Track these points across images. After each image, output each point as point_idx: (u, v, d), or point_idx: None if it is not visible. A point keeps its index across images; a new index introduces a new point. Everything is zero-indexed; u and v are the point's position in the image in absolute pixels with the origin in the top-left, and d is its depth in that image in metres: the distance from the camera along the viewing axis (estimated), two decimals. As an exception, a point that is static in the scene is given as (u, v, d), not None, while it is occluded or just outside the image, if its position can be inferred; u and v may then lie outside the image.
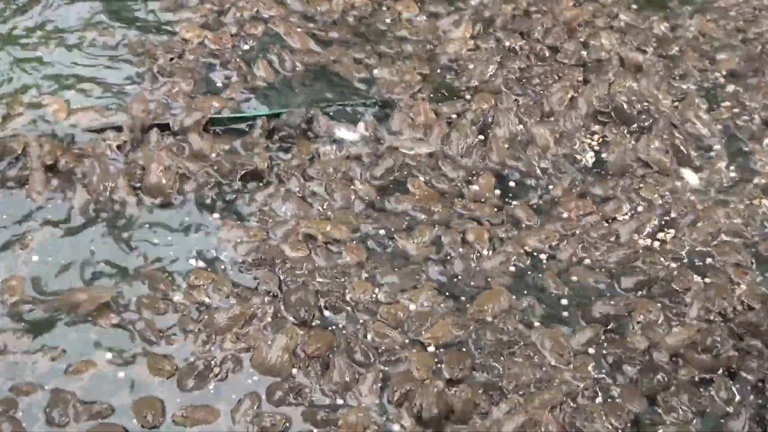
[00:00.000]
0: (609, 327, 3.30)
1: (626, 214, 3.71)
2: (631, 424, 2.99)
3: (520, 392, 3.06)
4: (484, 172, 3.86)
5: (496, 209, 3.73)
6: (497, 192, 3.84)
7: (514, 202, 3.78)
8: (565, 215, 3.73)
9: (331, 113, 3.97)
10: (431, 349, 3.20)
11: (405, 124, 4.00)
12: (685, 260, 3.56)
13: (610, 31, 4.50)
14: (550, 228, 3.68)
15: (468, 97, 4.15)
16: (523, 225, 3.68)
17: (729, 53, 4.48)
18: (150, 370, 3.09)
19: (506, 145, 3.94)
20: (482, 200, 3.75)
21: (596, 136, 4.05)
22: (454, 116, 4.05)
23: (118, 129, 3.81)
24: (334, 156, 3.86)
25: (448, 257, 3.55)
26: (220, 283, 3.37)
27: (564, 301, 3.42)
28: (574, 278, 3.47)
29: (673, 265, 3.50)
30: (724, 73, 4.42)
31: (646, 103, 4.15)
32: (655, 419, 3.02)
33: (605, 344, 3.25)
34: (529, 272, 3.51)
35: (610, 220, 3.70)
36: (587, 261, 3.56)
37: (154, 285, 3.35)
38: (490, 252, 3.57)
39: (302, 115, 3.92)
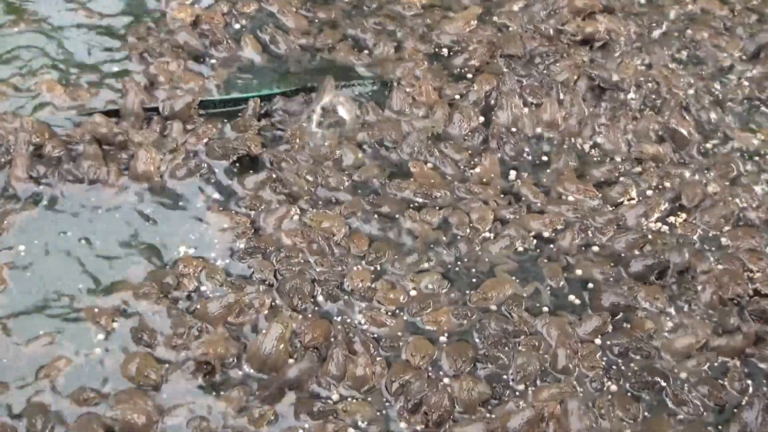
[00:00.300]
0: (617, 316, 3.26)
1: (634, 198, 3.69)
2: (641, 417, 2.96)
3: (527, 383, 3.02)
4: (488, 153, 3.79)
5: (501, 193, 3.67)
6: (501, 173, 3.79)
7: (519, 181, 3.73)
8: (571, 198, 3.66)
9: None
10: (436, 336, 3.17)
11: (405, 103, 3.96)
12: (697, 245, 3.53)
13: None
14: (555, 210, 3.60)
15: (470, 77, 4.14)
16: (529, 204, 3.62)
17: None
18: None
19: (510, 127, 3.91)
20: (486, 182, 3.72)
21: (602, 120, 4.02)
22: (457, 97, 4.03)
23: (108, 113, 3.75)
24: (328, 138, 3.80)
25: (455, 240, 3.47)
26: (213, 272, 3.28)
27: (571, 287, 3.37)
28: (579, 270, 3.42)
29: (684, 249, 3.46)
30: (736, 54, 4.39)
31: (655, 83, 4.14)
32: (664, 410, 2.99)
33: (613, 334, 3.20)
34: (535, 258, 3.45)
35: (616, 205, 3.66)
36: (594, 248, 3.52)
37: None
38: (493, 235, 3.50)
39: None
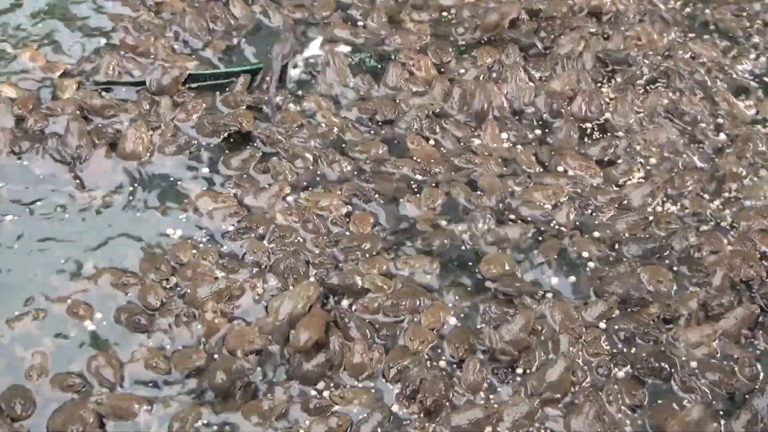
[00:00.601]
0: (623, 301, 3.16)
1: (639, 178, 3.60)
2: (647, 403, 2.89)
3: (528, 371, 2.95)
4: (489, 123, 3.70)
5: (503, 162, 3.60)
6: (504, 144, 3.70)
7: (520, 147, 3.67)
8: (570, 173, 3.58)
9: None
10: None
11: (402, 78, 3.87)
12: (706, 227, 3.45)
13: None
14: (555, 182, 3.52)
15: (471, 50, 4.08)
16: (530, 174, 3.57)
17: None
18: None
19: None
20: (489, 153, 3.63)
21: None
22: (461, 71, 3.96)
23: (102, 86, 3.71)
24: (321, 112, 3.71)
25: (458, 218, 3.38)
26: (204, 254, 3.18)
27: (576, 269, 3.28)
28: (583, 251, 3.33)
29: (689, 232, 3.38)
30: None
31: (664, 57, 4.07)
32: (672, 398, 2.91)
33: (618, 318, 3.11)
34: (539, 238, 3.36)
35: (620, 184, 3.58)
36: (596, 228, 3.42)
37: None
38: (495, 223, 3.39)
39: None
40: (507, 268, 3.20)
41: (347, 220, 3.32)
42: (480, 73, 3.91)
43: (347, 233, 3.28)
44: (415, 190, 3.47)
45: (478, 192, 3.46)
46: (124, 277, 3.09)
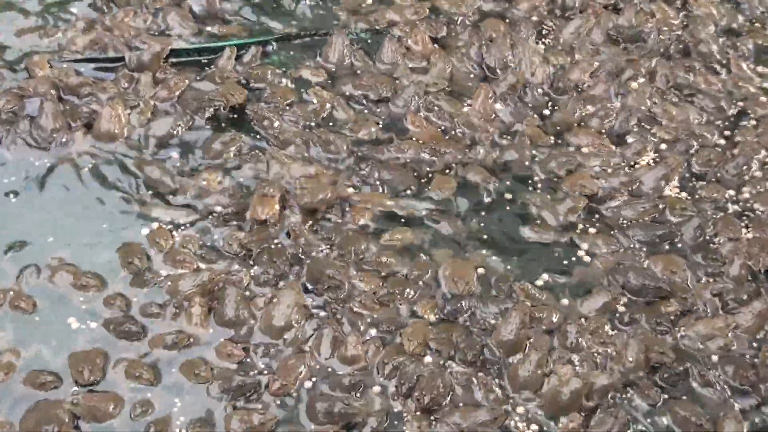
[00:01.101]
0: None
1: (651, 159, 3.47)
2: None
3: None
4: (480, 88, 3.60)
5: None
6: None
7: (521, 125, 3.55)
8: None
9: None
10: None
11: (398, 54, 3.73)
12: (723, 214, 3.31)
13: None
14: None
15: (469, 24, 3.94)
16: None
17: None
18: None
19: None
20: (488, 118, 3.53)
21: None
22: (459, 44, 3.83)
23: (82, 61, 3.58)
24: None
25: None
26: (186, 243, 3.06)
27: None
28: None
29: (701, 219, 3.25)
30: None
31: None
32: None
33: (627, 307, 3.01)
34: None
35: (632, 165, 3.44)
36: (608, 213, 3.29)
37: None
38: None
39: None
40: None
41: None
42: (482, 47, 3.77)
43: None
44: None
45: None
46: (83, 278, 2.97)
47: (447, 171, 3.34)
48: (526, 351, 2.81)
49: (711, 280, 3.05)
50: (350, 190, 3.24)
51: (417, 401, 2.68)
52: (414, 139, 3.42)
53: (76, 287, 2.91)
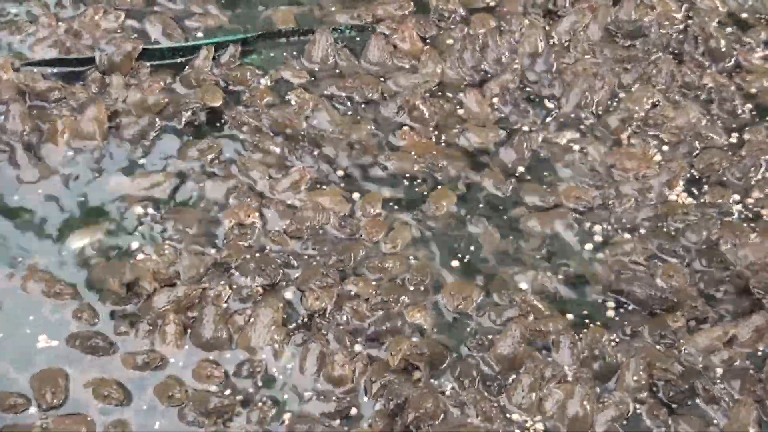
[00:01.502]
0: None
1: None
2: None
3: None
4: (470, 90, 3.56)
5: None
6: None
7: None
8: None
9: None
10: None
11: (385, 53, 3.66)
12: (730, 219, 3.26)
13: None
14: None
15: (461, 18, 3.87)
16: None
17: None
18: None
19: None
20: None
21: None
22: (449, 42, 3.78)
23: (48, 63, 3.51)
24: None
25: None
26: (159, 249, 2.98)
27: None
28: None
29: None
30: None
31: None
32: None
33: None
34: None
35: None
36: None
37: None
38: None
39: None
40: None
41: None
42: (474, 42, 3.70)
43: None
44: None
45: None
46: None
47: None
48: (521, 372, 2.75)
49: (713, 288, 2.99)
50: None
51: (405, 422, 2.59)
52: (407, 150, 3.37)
53: (48, 295, 2.84)
